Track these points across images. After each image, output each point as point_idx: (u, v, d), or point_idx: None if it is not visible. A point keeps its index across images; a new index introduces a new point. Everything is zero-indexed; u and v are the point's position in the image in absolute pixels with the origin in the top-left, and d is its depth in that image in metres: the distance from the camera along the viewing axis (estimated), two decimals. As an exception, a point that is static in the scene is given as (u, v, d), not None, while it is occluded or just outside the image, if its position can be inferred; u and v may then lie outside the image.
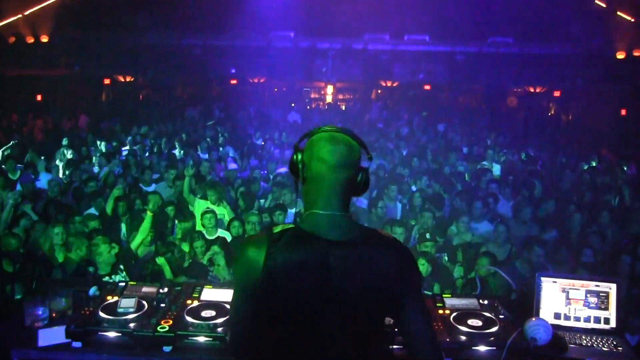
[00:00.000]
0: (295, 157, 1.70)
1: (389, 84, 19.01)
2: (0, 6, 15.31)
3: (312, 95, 19.89)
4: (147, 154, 9.88)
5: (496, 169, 9.49)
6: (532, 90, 18.50)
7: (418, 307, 1.65)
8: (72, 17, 15.57)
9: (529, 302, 2.67)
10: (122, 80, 18.65)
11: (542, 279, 2.65)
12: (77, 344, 2.33)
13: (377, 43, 16.75)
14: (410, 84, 18.53)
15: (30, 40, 16.27)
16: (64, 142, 10.25)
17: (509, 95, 18.76)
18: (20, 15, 15.88)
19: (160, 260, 4.57)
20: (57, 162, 9.25)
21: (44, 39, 16.37)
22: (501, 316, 2.55)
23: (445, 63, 17.59)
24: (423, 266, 4.64)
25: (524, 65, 16.58)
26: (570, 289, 2.61)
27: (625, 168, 9.41)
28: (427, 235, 5.39)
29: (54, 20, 15.96)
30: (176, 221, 6.01)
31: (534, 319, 2.36)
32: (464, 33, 15.34)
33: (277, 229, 1.64)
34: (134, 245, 5.22)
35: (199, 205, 6.59)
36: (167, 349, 2.33)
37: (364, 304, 1.59)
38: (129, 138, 11.17)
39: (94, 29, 15.97)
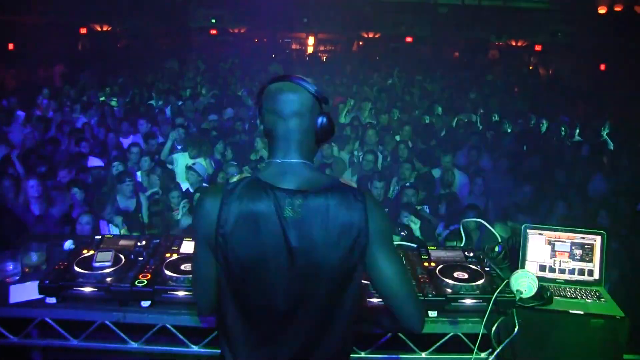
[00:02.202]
0: (257, 111, 1.69)
1: (370, 35, 18.66)
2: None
3: (293, 47, 19.45)
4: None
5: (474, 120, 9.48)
6: (513, 44, 18.37)
7: (389, 257, 1.58)
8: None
9: (514, 255, 2.66)
10: (99, 29, 17.92)
11: (528, 231, 2.63)
12: (51, 300, 2.24)
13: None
14: (391, 36, 18.22)
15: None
16: (45, 92, 9.84)
17: (490, 48, 18.60)
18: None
19: None
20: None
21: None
22: (487, 268, 2.52)
23: (428, 15, 17.28)
24: (406, 218, 4.62)
25: (506, 19, 16.38)
26: (555, 241, 2.59)
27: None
28: (408, 184, 5.37)
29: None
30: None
31: (519, 271, 2.33)
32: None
33: (233, 179, 1.60)
34: None
35: (179, 159, 6.51)
36: (145, 303, 2.25)
37: (323, 256, 1.52)
38: (107, 89, 10.83)
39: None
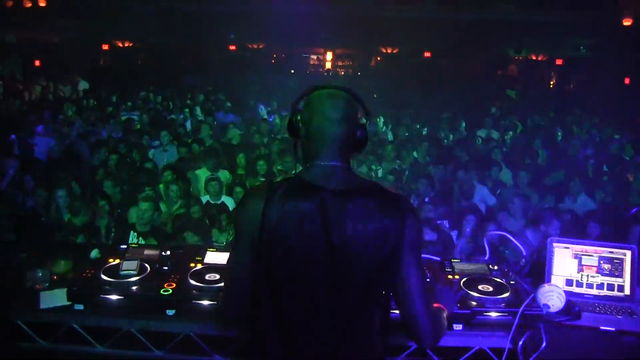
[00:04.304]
0: (293, 117, 1.73)
1: (388, 50, 18.71)
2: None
3: (312, 62, 19.62)
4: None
5: (495, 137, 9.42)
6: (533, 58, 18.25)
7: (415, 266, 1.61)
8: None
9: (540, 269, 2.62)
10: (121, 45, 18.32)
11: (554, 244, 2.59)
12: (79, 307, 2.27)
13: (378, 9, 16.40)
14: (410, 51, 18.23)
15: (28, 4, 15.88)
16: (67, 107, 10.06)
17: (509, 63, 18.52)
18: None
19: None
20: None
21: (42, 3, 15.96)
22: (512, 282, 2.49)
23: (446, 30, 17.26)
24: (427, 235, 4.59)
25: (526, 33, 16.25)
26: (582, 254, 2.55)
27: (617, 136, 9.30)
28: (427, 199, 5.35)
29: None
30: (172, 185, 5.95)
31: (546, 285, 2.30)
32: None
33: (278, 180, 1.64)
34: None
35: (200, 175, 6.57)
36: (170, 312, 2.26)
37: (360, 255, 1.56)
38: (129, 103, 11.04)
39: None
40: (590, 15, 14.27)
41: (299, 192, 1.59)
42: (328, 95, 1.68)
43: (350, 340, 1.62)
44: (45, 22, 16.25)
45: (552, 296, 2.23)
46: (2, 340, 2.25)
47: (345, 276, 1.57)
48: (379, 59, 19.09)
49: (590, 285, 2.52)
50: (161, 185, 6.16)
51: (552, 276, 2.56)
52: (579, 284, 2.54)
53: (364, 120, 1.75)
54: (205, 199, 5.91)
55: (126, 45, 18.41)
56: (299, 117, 1.71)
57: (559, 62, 17.86)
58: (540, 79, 17.66)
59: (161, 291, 2.28)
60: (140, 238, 4.70)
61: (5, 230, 4.46)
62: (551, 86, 18.00)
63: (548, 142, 8.83)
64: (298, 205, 1.56)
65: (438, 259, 2.81)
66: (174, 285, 2.33)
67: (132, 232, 4.75)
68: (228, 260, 1.69)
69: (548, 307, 2.22)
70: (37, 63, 17.30)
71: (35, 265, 2.43)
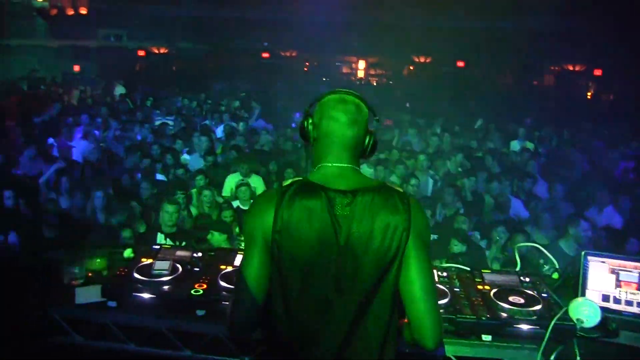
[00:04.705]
0: (305, 121, 1.79)
1: (421, 59, 18.61)
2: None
3: (344, 70, 19.66)
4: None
5: (530, 148, 9.25)
6: (570, 68, 17.85)
7: (422, 262, 1.63)
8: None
9: (574, 282, 2.55)
10: (156, 51, 18.76)
11: (589, 257, 2.52)
12: (112, 303, 2.32)
13: (411, 17, 16.35)
14: (443, 60, 18.08)
15: (70, 12, 16.49)
16: (103, 110, 10.35)
17: (545, 73, 18.16)
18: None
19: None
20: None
21: (83, 11, 16.56)
22: (544, 294, 2.44)
23: (480, 39, 17.04)
24: (457, 246, 4.55)
25: (562, 42, 15.87)
26: (620, 270, 2.46)
27: None
28: (460, 210, 5.30)
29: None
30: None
31: (580, 298, 2.25)
32: (499, 7, 14.77)
33: (287, 182, 1.69)
34: None
35: (229, 180, 6.64)
36: (200, 312, 2.30)
37: (366, 251, 1.60)
38: (162, 107, 11.27)
39: (130, 1, 16.07)
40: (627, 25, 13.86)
41: (307, 192, 1.63)
42: (338, 99, 1.74)
43: (359, 341, 1.64)
44: (85, 29, 16.81)
45: (586, 310, 2.17)
46: (40, 332, 2.31)
47: (353, 274, 1.61)
48: (411, 68, 19.01)
49: (629, 302, 2.42)
50: (193, 190, 6.26)
51: (586, 290, 2.48)
52: (617, 301, 2.44)
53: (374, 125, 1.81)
54: (235, 204, 5.98)
55: (161, 51, 18.84)
56: (310, 121, 1.78)
57: (597, 72, 17.42)
58: (577, 89, 17.25)
59: (192, 292, 2.32)
60: (168, 239, 4.79)
61: (46, 228, 4.63)
62: (589, 97, 17.56)
63: (585, 154, 8.63)
64: (306, 204, 1.61)
65: (468, 268, 2.78)
66: (205, 286, 2.36)
67: (158, 233, 4.84)
68: (240, 265, 1.70)
69: (582, 321, 2.16)
70: (76, 68, 17.89)
71: (72, 262, 2.50)
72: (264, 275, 1.65)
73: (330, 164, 1.71)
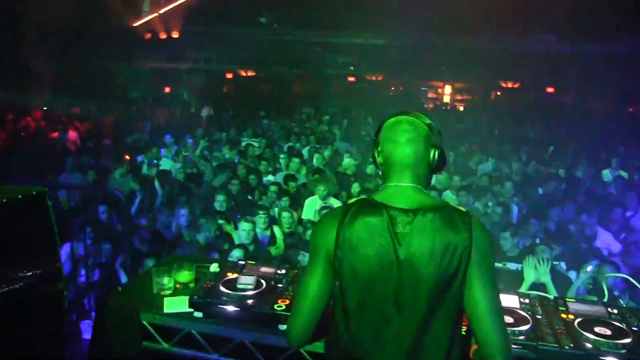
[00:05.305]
0: (374, 149, 1.85)
1: (509, 85, 18.06)
2: (139, 6, 16.87)
3: (430, 95, 19.46)
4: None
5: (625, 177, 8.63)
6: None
7: (486, 281, 1.62)
8: (200, 14, 16.65)
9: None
10: (244, 74, 19.55)
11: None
12: (198, 314, 2.40)
13: (498, 42, 15.95)
14: (532, 86, 17.43)
15: (163, 36, 17.67)
16: (199, 132, 10.88)
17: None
18: (156, 14, 17.33)
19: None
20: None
21: (175, 34, 17.68)
22: (634, 328, 2.23)
23: (571, 64, 16.22)
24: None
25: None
26: None
27: None
28: (537, 240, 5.08)
29: (184, 17, 17.22)
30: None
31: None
32: (594, 32, 14.04)
33: (351, 200, 1.76)
34: None
35: (309, 201, 6.69)
36: (282, 327, 2.31)
37: (426, 270, 1.61)
38: (249, 129, 11.66)
39: (219, 26, 16.93)
40: None
41: (369, 210, 1.68)
42: (394, 122, 1.80)
43: (415, 353, 1.64)
44: (176, 52, 17.93)
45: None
46: (132, 337, 2.43)
47: (412, 292, 1.62)
48: (499, 93, 18.49)
49: None
50: (276, 209, 6.37)
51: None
52: None
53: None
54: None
55: (249, 74, 19.62)
56: (378, 149, 1.83)
57: None
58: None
59: (275, 306, 2.35)
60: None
61: (140, 242, 4.92)
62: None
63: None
64: (367, 221, 1.66)
65: (551, 296, 2.62)
66: (287, 302, 2.38)
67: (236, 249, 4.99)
68: (302, 279, 1.78)
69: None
70: (167, 89, 19.07)
71: (162, 274, 2.62)
72: (324, 289, 1.72)
73: (393, 184, 1.76)
